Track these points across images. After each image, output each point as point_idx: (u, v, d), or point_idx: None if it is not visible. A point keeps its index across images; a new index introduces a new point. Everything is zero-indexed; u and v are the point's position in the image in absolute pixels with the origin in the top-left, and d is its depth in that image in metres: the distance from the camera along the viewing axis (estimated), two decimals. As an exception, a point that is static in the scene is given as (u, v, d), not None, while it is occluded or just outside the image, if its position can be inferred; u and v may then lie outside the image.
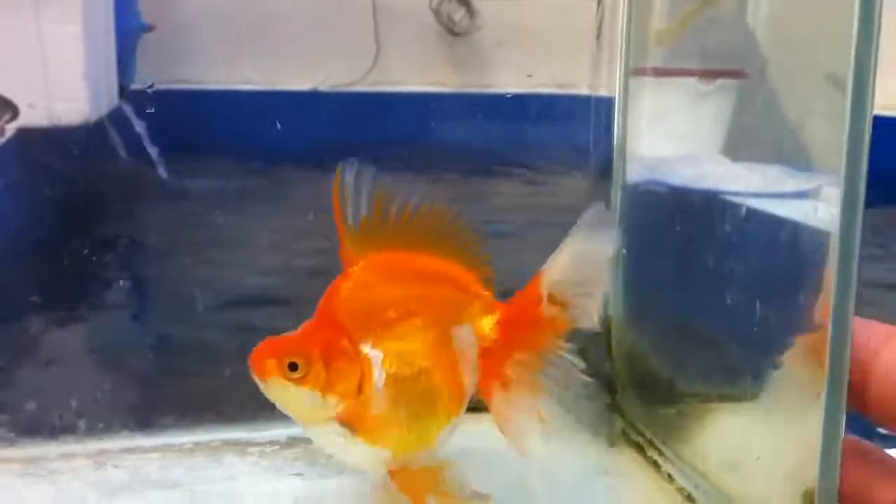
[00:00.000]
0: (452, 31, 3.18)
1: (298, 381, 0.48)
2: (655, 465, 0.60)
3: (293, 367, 0.48)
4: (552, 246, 0.51)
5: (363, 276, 0.50)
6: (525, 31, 3.13)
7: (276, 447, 0.58)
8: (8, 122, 2.09)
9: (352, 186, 0.50)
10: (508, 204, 2.32)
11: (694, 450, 0.60)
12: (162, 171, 2.31)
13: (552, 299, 0.52)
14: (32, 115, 2.07)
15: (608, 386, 0.69)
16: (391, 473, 0.51)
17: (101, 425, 0.59)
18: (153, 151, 2.39)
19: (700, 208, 0.65)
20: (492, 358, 0.53)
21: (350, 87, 2.99)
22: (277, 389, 0.48)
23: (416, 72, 3.13)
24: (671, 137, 0.73)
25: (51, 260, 1.42)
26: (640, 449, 0.63)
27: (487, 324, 0.54)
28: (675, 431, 0.62)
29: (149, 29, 2.71)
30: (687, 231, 0.67)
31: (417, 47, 3.18)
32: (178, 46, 2.87)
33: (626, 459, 0.62)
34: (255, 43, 2.95)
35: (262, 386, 0.48)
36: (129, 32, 2.60)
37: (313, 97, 2.95)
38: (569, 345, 0.52)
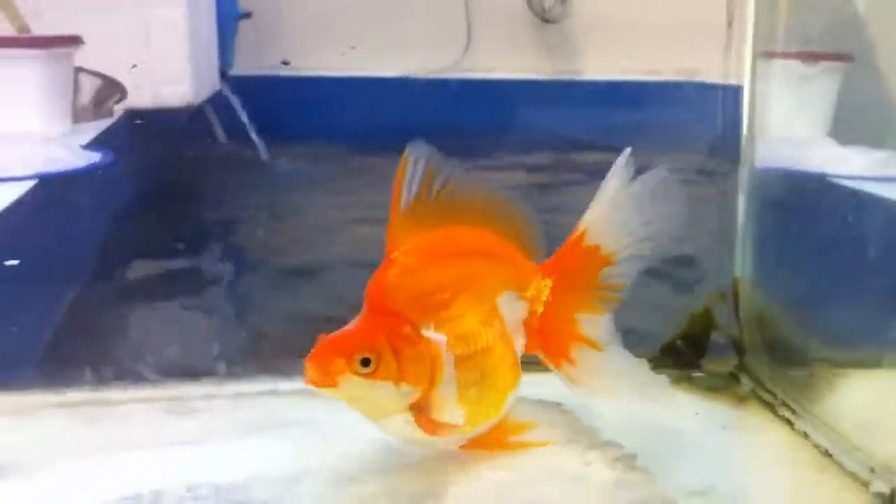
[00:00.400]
0: (544, 18, 3.16)
1: (371, 376, 0.46)
2: (789, 423, 0.59)
3: (364, 362, 0.46)
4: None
5: (407, 261, 0.49)
6: (617, 18, 3.09)
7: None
8: (116, 102, 2.16)
9: (412, 171, 0.49)
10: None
11: (828, 410, 0.59)
12: (262, 154, 2.36)
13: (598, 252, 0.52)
14: (139, 97, 2.14)
15: (735, 347, 0.69)
16: (462, 449, 0.51)
17: (239, 369, 0.61)
18: (253, 134, 2.44)
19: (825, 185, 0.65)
20: (548, 320, 0.53)
21: (441, 74, 3.00)
22: (351, 388, 0.46)
23: (507, 59, 3.13)
24: (794, 120, 0.73)
25: (156, 228, 1.50)
26: (770, 408, 0.62)
27: (536, 288, 0.53)
28: (807, 392, 0.61)
29: (245, 16, 2.77)
30: (815, 206, 0.67)
31: (509, 34, 3.17)
32: (272, 33, 2.93)
33: (758, 418, 0.61)
34: (346, 30, 2.99)
35: (328, 390, 0.46)
36: (228, 19, 2.66)
37: (404, 84, 2.96)
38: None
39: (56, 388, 0.56)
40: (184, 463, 0.50)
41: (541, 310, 0.53)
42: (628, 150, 0.52)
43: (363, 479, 0.49)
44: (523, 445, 0.53)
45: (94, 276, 1.27)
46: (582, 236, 0.52)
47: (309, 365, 0.45)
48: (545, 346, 0.53)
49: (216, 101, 2.44)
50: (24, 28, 1.85)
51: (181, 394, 0.58)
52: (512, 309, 0.52)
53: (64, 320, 1.00)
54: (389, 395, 0.47)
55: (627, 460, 0.52)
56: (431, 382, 0.48)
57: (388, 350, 0.47)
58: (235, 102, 2.57)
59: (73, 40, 1.83)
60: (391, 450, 0.52)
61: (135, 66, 2.08)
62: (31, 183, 1.41)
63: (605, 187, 0.52)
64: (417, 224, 0.49)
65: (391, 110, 2.62)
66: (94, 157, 1.59)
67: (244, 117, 2.52)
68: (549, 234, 0.53)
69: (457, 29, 3.07)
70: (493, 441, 0.52)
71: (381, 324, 0.47)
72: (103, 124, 2.00)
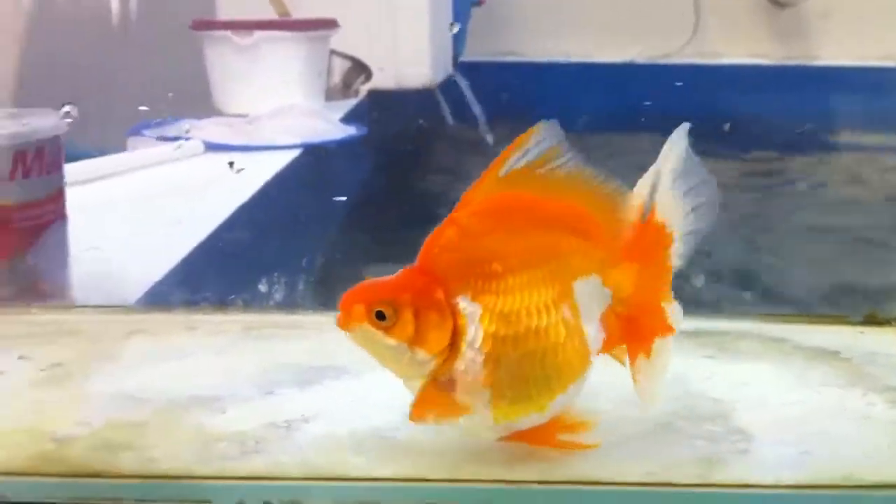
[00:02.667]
0: (777, 1, 3.07)
1: (386, 331, 0.43)
2: None
3: (380, 315, 0.43)
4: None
5: (471, 223, 0.44)
6: (853, 1, 2.96)
7: (683, 336, 0.63)
8: (363, 83, 2.30)
9: (529, 147, 0.45)
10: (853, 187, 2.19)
11: None
12: (488, 137, 2.43)
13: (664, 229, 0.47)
14: (382, 78, 2.26)
15: None
16: (504, 439, 0.46)
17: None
18: (480, 118, 2.52)
19: None
20: (634, 310, 0.48)
21: (667, 59, 2.97)
22: (365, 337, 0.44)
23: (736, 43, 3.06)
24: None
25: (393, 200, 1.62)
26: None
27: (619, 275, 0.47)
28: None
29: (479, 3, 2.85)
30: None
31: (739, 18, 3.10)
32: (502, 20, 3.00)
33: None
34: (573, 16, 3.01)
35: (347, 333, 0.44)
36: (463, 5, 2.75)
37: (629, 69, 2.95)
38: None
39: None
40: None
41: (625, 299, 0.47)
42: (686, 125, 0.47)
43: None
44: (570, 446, 0.47)
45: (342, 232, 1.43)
46: (653, 213, 0.47)
47: (340, 305, 0.44)
48: (631, 340, 0.48)
49: (447, 85, 2.54)
50: (285, 12, 2.00)
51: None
52: (591, 297, 0.46)
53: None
54: (403, 356, 0.44)
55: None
56: (453, 355, 0.44)
57: (408, 309, 0.44)
58: (465, 87, 2.66)
59: (331, 23, 1.97)
60: (678, 378, 0.56)
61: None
62: (297, 151, 1.55)
63: (667, 159, 0.47)
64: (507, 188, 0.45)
65: (616, 95, 2.63)
66: (351, 129, 1.72)
67: (473, 102, 2.61)
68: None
69: (684, 13, 3.03)
70: (538, 436, 0.46)
71: (414, 282, 0.44)
72: (350, 103, 2.14)
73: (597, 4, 3.02)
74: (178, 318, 0.63)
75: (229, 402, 0.51)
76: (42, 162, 0.73)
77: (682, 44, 3.02)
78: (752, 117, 2.47)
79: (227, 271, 0.86)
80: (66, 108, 0.68)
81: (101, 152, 1.39)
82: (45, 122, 0.74)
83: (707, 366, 0.59)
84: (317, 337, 0.61)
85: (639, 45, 2.94)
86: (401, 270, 0.45)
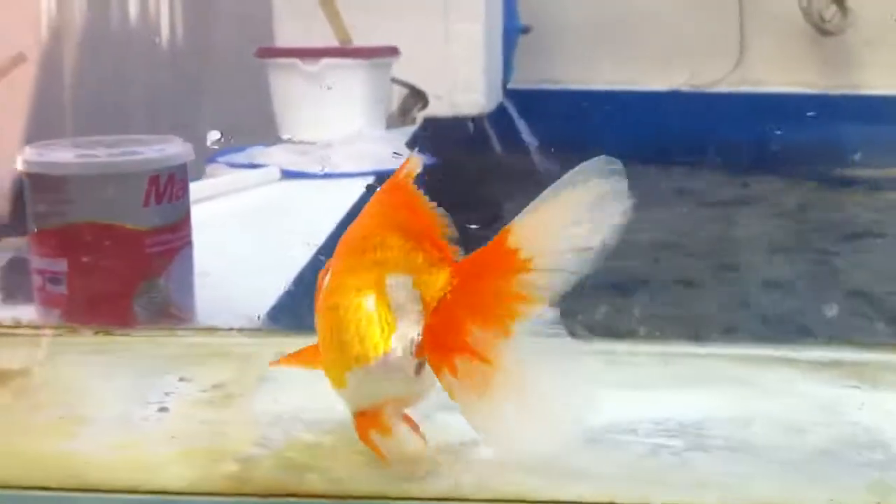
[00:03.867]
0: (822, 29, 3.07)
1: None
2: None
3: None
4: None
5: (363, 215, 0.49)
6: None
7: (820, 366, 0.64)
8: (420, 110, 2.32)
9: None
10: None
11: None
12: (539, 164, 2.44)
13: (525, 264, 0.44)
14: (438, 105, 2.29)
15: None
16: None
17: (657, 333, 0.68)
18: (531, 145, 2.54)
19: None
20: (441, 322, 0.46)
21: (711, 88, 2.98)
22: None
23: (781, 72, 3.06)
24: None
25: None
26: None
27: (435, 280, 0.46)
28: None
29: (526, 31, 2.88)
30: None
31: (783, 47, 3.10)
32: (548, 47, 3.02)
33: None
34: (618, 44, 3.03)
35: None
36: (511, 34, 2.78)
37: (673, 97, 2.96)
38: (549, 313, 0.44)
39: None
40: (635, 403, 0.57)
41: (428, 304, 0.46)
42: (597, 160, 0.44)
43: (812, 429, 0.54)
44: (370, 445, 0.47)
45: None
46: (504, 237, 0.45)
47: None
48: (429, 350, 0.46)
49: (497, 112, 2.56)
50: (347, 40, 2.03)
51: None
52: (402, 294, 0.46)
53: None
54: None
55: None
56: None
57: None
58: (514, 114, 2.68)
59: (392, 51, 1.99)
60: (829, 408, 0.57)
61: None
62: (370, 178, 1.57)
63: (555, 190, 0.45)
64: None
65: (661, 123, 2.64)
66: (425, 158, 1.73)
67: (523, 128, 2.62)
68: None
69: (729, 41, 3.04)
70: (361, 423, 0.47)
71: None
72: (408, 131, 2.16)
73: (642, 32, 3.04)
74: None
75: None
76: (173, 188, 0.74)
77: (727, 72, 3.03)
78: (798, 145, 2.47)
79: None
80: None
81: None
82: (176, 148, 0.76)
83: (855, 395, 0.59)
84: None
85: (683, 73, 2.95)
86: None
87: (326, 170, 1.56)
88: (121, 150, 0.74)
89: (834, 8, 3.08)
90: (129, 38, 2.05)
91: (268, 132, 1.91)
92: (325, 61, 1.88)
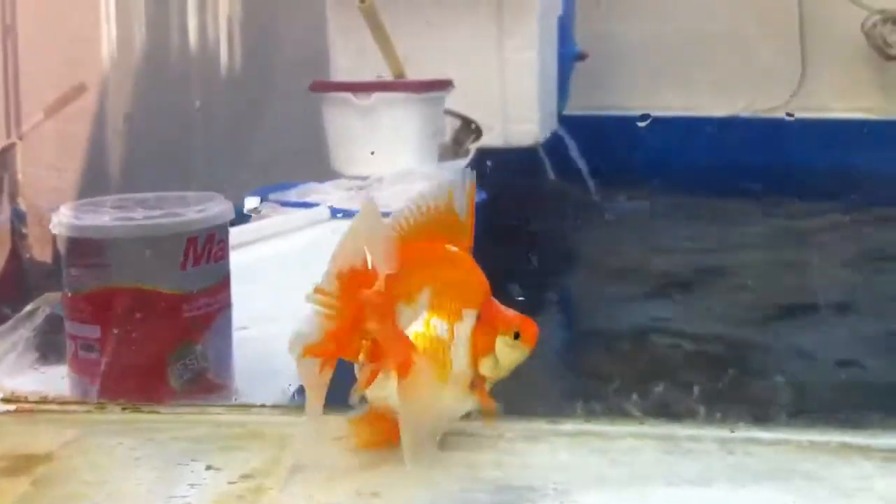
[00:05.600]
0: (886, 53, 2.98)
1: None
2: None
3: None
4: None
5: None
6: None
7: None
8: (473, 142, 2.29)
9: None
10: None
11: None
12: (594, 194, 2.40)
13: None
14: (491, 136, 2.26)
15: None
16: None
17: (718, 414, 0.63)
18: (586, 174, 2.49)
19: None
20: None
21: (771, 113, 2.91)
22: None
23: (843, 97, 2.98)
24: None
25: (505, 256, 1.60)
26: None
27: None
28: None
29: (583, 57, 2.84)
30: None
31: (846, 71, 3.02)
32: (605, 73, 2.98)
33: None
34: (677, 69, 2.98)
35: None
36: (567, 60, 2.74)
37: (732, 123, 2.90)
38: None
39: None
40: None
41: None
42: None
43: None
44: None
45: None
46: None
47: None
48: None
49: (551, 140, 2.53)
50: (401, 74, 2.01)
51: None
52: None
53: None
54: None
55: None
56: None
57: None
58: (570, 142, 2.64)
59: (446, 84, 1.97)
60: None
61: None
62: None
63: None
64: None
65: (721, 149, 2.58)
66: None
67: (578, 157, 2.58)
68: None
69: (791, 66, 2.97)
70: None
71: None
72: (461, 163, 2.13)
73: (700, 57, 2.99)
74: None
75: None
76: (212, 249, 0.72)
77: (788, 97, 2.96)
78: (861, 172, 2.40)
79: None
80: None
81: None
82: (218, 207, 0.73)
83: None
84: (500, 448, 0.58)
85: (743, 98, 2.89)
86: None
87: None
88: (159, 211, 0.72)
89: (899, 32, 3.00)
90: (188, 70, 2.06)
91: (323, 167, 1.89)
92: (378, 95, 1.86)
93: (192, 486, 0.52)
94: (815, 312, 1.44)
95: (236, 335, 0.85)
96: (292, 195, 1.62)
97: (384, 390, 0.55)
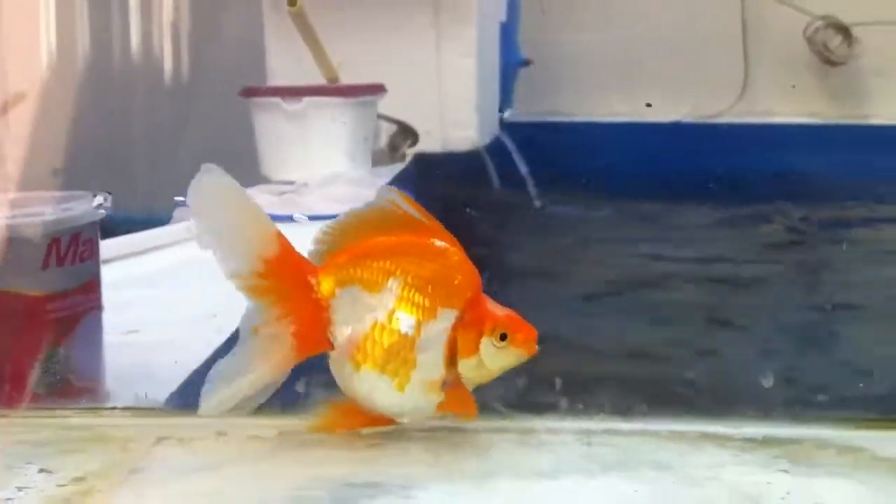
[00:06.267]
0: (828, 59, 3.02)
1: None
2: None
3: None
4: None
5: None
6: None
7: (754, 444, 0.58)
8: (409, 146, 2.28)
9: None
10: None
11: None
12: (535, 199, 2.40)
13: None
14: (428, 141, 2.25)
15: None
16: None
17: (580, 406, 0.63)
18: (528, 180, 2.49)
19: None
20: None
21: (715, 119, 2.93)
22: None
23: (786, 102, 3.01)
24: None
25: None
26: None
27: None
28: None
29: (527, 63, 2.85)
30: None
31: (789, 77, 3.06)
32: (550, 80, 2.99)
33: None
34: (622, 76, 2.99)
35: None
36: (511, 67, 2.74)
37: (677, 129, 2.92)
38: None
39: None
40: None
41: None
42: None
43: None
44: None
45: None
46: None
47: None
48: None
49: (493, 146, 2.52)
50: (334, 78, 2.00)
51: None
52: None
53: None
54: None
55: None
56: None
57: None
58: (512, 148, 2.64)
59: (378, 88, 1.96)
60: (751, 499, 0.52)
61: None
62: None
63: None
64: None
65: (664, 155, 2.59)
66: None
67: (520, 163, 2.58)
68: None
69: (734, 72, 3.00)
70: None
71: None
72: (397, 168, 2.12)
73: (645, 64, 3.01)
74: (208, 422, 0.59)
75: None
76: (77, 249, 0.70)
77: (732, 103, 2.99)
78: (804, 176, 2.42)
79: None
80: (100, 199, 0.65)
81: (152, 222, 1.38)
82: (81, 207, 0.72)
83: (782, 482, 0.54)
84: (358, 445, 0.57)
85: (687, 105, 2.91)
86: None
87: (297, 213, 1.52)
88: (22, 210, 0.70)
89: (839, 38, 3.04)
90: (128, 77, 2.04)
91: (255, 173, 1.87)
92: (308, 100, 1.85)
93: (19, 489, 0.51)
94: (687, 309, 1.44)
95: (123, 338, 0.84)
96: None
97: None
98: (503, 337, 0.55)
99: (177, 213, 1.55)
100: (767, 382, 0.65)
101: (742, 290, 1.59)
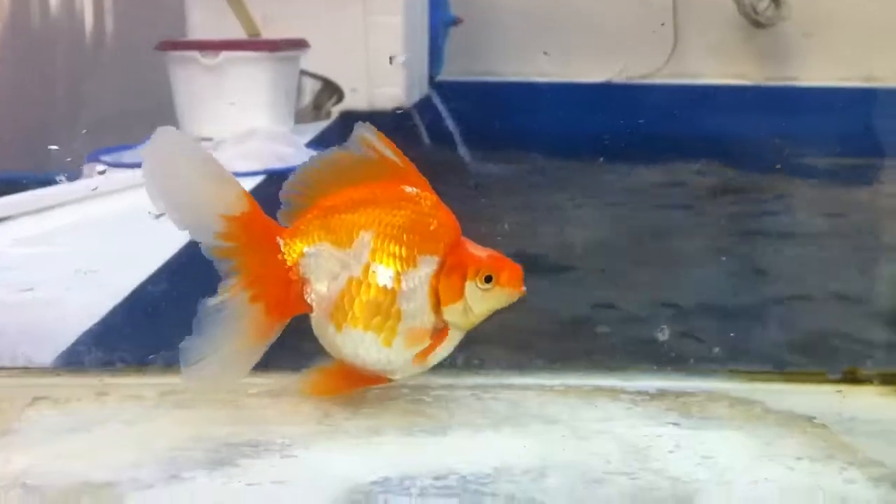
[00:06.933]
0: (756, 21, 3.05)
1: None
2: None
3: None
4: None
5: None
6: (836, 22, 2.95)
7: (647, 397, 0.58)
8: (334, 104, 2.25)
9: None
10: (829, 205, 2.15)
11: None
12: (465, 156, 2.38)
13: None
14: (355, 99, 2.22)
15: None
16: None
17: (476, 362, 0.62)
18: (458, 139, 2.48)
19: None
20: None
21: (645, 80, 2.95)
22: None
23: (715, 64, 3.04)
24: None
25: None
26: None
27: None
28: None
29: (457, 22, 2.82)
30: None
31: (717, 39, 3.08)
32: (481, 39, 2.97)
33: None
34: (553, 36, 2.99)
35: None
36: (441, 26, 2.71)
37: (607, 89, 2.93)
38: None
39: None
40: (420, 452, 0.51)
41: None
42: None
43: (610, 480, 0.49)
44: None
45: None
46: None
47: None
48: None
49: (423, 105, 2.50)
50: (255, 32, 1.95)
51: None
52: None
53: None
54: None
55: (892, 479, 0.49)
56: None
57: None
58: (442, 107, 2.62)
59: (300, 43, 1.92)
60: (639, 451, 0.51)
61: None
62: (259, 178, 1.49)
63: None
64: None
65: (594, 116, 2.59)
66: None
67: (450, 122, 2.56)
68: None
69: (664, 34, 3.01)
70: None
71: None
72: (321, 125, 2.09)
73: (576, 25, 3.00)
74: (90, 382, 0.57)
75: (129, 490, 0.45)
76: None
77: (662, 64, 3.00)
78: (731, 137, 2.44)
79: (149, 327, 0.80)
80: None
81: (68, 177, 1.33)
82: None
83: (672, 435, 0.54)
84: (248, 403, 0.56)
85: (617, 65, 2.91)
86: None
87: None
88: None
89: (767, 0, 3.07)
90: (47, 32, 1.97)
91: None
92: (226, 55, 1.80)
93: None
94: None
95: (17, 297, 0.81)
96: (130, 156, 1.55)
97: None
98: (488, 279, 0.53)
99: (86, 168, 1.51)
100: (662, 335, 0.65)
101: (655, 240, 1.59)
